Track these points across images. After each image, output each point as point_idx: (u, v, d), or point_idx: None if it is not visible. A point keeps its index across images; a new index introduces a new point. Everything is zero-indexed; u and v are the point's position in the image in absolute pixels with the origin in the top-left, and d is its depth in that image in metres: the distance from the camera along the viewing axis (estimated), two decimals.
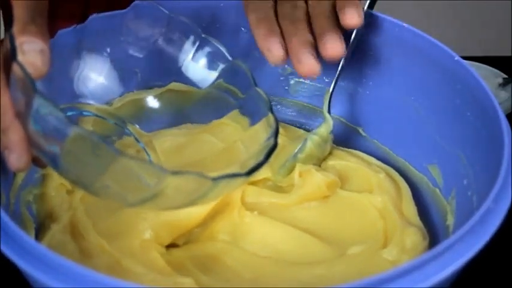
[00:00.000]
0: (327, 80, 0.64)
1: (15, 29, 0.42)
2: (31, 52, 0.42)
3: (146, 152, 0.59)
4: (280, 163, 0.59)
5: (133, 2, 0.58)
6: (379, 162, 0.61)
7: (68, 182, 0.56)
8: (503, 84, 0.77)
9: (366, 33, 0.59)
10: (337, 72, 0.58)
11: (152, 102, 0.64)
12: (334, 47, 0.53)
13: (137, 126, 0.63)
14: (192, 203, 0.46)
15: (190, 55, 0.60)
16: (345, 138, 0.64)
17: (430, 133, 0.57)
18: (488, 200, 0.42)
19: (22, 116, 0.42)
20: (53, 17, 0.70)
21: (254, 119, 0.57)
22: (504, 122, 0.47)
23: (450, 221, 0.53)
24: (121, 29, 0.59)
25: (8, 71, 0.42)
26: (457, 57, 0.54)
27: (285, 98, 0.67)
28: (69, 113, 0.57)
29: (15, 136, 0.42)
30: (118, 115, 0.61)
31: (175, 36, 0.60)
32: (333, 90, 0.59)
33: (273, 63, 0.56)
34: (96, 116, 0.59)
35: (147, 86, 0.63)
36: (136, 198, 0.45)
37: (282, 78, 0.66)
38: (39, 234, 0.52)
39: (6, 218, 0.40)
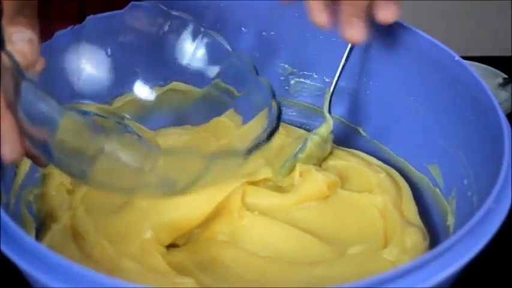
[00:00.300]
0: (327, 80, 0.64)
1: (4, 21, 0.42)
2: (20, 42, 0.42)
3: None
4: (281, 163, 0.59)
5: (131, 2, 0.58)
6: (379, 162, 0.61)
7: (68, 182, 0.56)
8: (503, 84, 0.77)
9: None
10: (338, 72, 0.58)
11: (152, 102, 0.64)
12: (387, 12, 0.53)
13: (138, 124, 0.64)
14: (188, 186, 0.45)
15: (191, 50, 0.60)
16: (346, 138, 0.64)
17: (430, 133, 0.57)
18: (489, 200, 0.42)
19: (13, 106, 0.41)
20: (49, 18, 0.70)
21: (248, 117, 0.57)
22: (504, 122, 0.47)
23: (450, 221, 0.53)
24: (119, 29, 0.59)
25: None
26: (457, 57, 0.54)
27: (286, 98, 0.67)
28: None
29: (7, 127, 0.41)
30: (118, 113, 0.61)
31: (175, 33, 0.60)
32: (333, 91, 0.59)
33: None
34: (97, 115, 0.59)
35: (147, 86, 0.63)
36: (132, 182, 0.44)
37: (282, 78, 0.66)
38: (39, 234, 0.52)
39: (6, 218, 0.40)
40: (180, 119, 0.65)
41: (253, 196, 0.56)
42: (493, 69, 0.79)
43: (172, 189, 0.47)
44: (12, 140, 0.42)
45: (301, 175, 0.57)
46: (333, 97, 0.59)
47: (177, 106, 0.65)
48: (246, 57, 0.57)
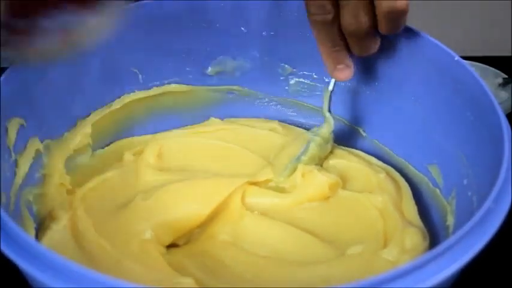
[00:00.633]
0: (327, 80, 0.64)
1: None
2: None
3: None
4: (282, 163, 0.59)
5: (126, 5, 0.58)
6: (379, 162, 0.61)
7: (68, 182, 0.56)
8: (503, 84, 0.77)
9: None
10: None
11: (152, 102, 0.64)
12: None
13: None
14: None
15: None
16: (346, 137, 0.64)
17: (430, 133, 0.57)
18: (489, 200, 0.42)
19: None
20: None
21: None
22: (504, 122, 0.47)
23: (450, 221, 0.53)
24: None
25: None
26: (457, 57, 0.54)
27: (285, 98, 0.67)
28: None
29: None
30: None
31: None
32: (332, 90, 0.59)
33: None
34: None
35: (147, 87, 0.64)
36: None
37: (282, 78, 0.66)
38: (39, 234, 0.52)
39: (6, 218, 0.40)
40: (180, 119, 0.65)
41: (254, 196, 0.56)
42: (493, 69, 0.79)
43: None
44: None
45: (303, 176, 0.57)
46: (333, 97, 0.59)
47: (177, 106, 0.65)
48: None
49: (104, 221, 0.53)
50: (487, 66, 0.79)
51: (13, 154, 0.51)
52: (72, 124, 0.59)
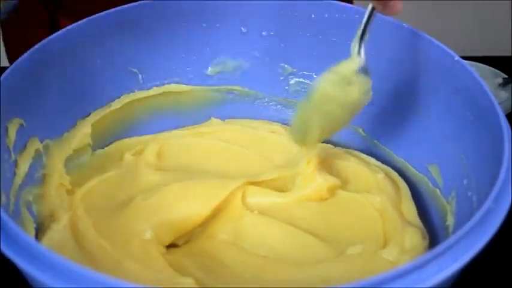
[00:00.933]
0: None
1: None
2: None
3: None
4: (284, 160, 0.58)
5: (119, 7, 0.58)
6: (378, 163, 0.61)
7: (68, 182, 0.56)
8: (503, 84, 0.77)
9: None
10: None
11: (152, 102, 0.64)
12: None
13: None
14: None
15: None
16: (346, 138, 0.64)
17: (430, 133, 0.57)
18: (489, 200, 0.42)
19: None
20: (24, 26, 0.71)
21: None
22: (504, 122, 0.47)
23: (450, 221, 0.53)
24: (117, 29, 0.59)
25: None
26: (457, 57, 0.54)
27: (285, 98, 0.67)
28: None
29: None
30: None
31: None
32: (368, 21, 0.52)
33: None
34: None
35: (147, 87, 0.64)
36: None
37: (281, 78, 0.66)
38: (39, 234, 0.52)
39: (6, 218, 0.40)
40: (180, 119, 0.65)
41: (253, 196, 0.56)
42: (493, 69, 0.79)
43: None
44: None
45: (302, 177, 0.57)
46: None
47: (177, 106, 0.65)
48: None
49: (104, 221, 0.53)
50: (487, 66, 0.79)
51: (13, 154, 0.51)
52: (72, 124, 0.59)
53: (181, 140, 0.62)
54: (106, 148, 0.62)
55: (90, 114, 0.60)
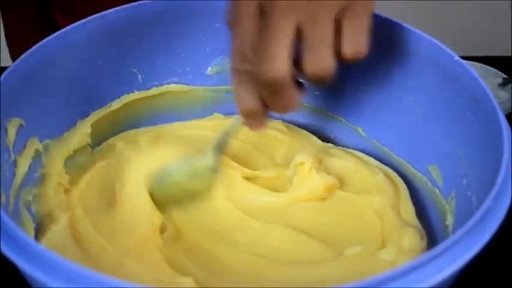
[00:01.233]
0: None
1: None
2: None
3: None
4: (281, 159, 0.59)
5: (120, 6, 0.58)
6: (377, 163, 0.61)
7: (66, 181, 0.56)
8: (503, 84, 0.77)
9: None
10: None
11: (152, 102, 0.64)
12: None
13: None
14: None
15: None
16: (345, 138, 0.64)
17: (430, 133, 0.57)
18: (488, 200, 0.42)
19: None
20: (23, 27, 0.71)
21: None
22: (504, 122, 0.47)
23: (449, 221, 0.53)
24: (116, 29, 0.59)
25: None
26: (457, 57, 0.54)
27: None
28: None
29: None
30: None
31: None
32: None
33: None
34: None
35: (147, 87, 0.64)
36: None
37: None
38: (38, 235, 0.52)
39: (6, 218, 0.40)
40: (180, 119, 0.65)
41: (250, 194, 0.56)
42: (493, 69, 0.79)
43: None
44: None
45: (299, 176, 0.57)
46: (333, 97, 0.57)
47: (177, 106, 0.65)
48: None
49: (101, 218, 0.53)
50: (487, 66, 0.79)
51: (12, 154, 0.51)
52: (71, 124, 0.59)
53: (180, 131, 0.62)
54: (103, 144, 0.62)
55: (90, 114, 0.60)
